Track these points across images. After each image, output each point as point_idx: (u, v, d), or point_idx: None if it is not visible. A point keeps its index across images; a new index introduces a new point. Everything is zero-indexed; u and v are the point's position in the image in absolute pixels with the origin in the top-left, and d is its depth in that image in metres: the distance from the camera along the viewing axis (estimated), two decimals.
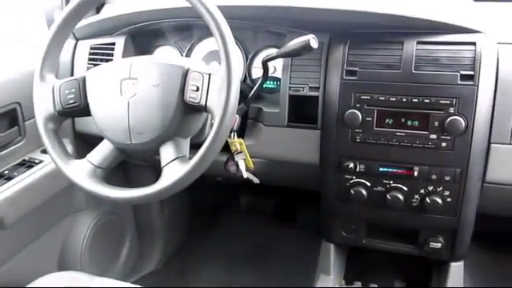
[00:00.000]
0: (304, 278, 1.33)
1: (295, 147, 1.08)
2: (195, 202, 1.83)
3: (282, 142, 1.09)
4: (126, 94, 0.85)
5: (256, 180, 1.07)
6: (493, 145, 0.95)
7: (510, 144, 0.94)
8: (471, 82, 0.92)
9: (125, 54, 1.20)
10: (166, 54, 1.25)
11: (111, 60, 1.20)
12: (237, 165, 1.04)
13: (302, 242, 1.65)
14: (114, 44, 1.22)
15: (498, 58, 0.94)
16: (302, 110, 1.06)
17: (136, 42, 1.24)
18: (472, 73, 0.92)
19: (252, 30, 1.14)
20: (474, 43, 0.94)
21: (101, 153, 0.89)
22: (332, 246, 1.21)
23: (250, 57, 1.17)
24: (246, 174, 1.05)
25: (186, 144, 0.89)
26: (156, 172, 0.87)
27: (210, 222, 1.89)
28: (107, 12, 1.26)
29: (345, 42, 1.01)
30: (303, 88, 1.05)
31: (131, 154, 0.91)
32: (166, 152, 0.85)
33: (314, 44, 0.91)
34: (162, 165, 0.84)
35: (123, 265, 1.59)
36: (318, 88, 1.03)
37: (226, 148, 1.02)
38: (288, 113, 1.07)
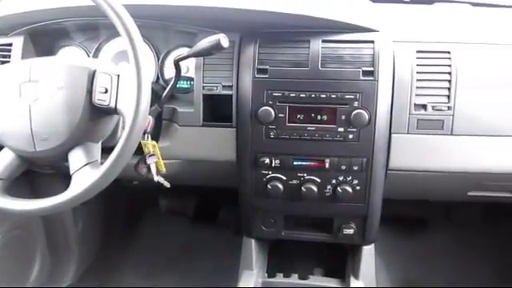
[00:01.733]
0: (228, 276, 1.34)
1: (211, 146, 1.09)
2: (112, 208, 1.76)
3: (198, 141, 1.09)
4: (26, 98, 0.80)
5: (167, 184, 1.06)
6: (393, 135, 1.03)
7: (408, 134, 1.03)
8: (372, 78, 0.99)
9: (24, 56, 1.12)
10: (71, 55, 1.19)
11: (8, 62, 1.11)
12: (148, 167, 1.01)
13: (224, 240, 1.66)
14: (10, 45, 1.13)
15: (394, 55, 1.02)
16: (217, 109, 1.07)
17: (37, 43, 1.16)
18: (372, 69, 0.99)
19: (162, 29, 1.13)
20: (372, 41, 1.01)
21: (0, 162, 0.83)
22: (253, 241, 1.24)
23: (161, 57, 1.15)
24: (156, 178, 1.03)
25: (96, 148, 0.86)
26: (66, 180, 0.82)
27: (128, 228, 1.83)
28: (0, 10, 1.16)
29: (255, 41, 1.04)
30: (216, 87, 1.05)
31: (36, 162, 0.86)
32: (75, 158, 0.81)
33: (225, 43, 0.92)
34: (72, 171, 0.80)
35: (34, 282, 1.48)
36: (231, 87, 1.05)
37: (141, 150, 1.00)
38: (203, 112, 1.07)
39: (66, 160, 0.82)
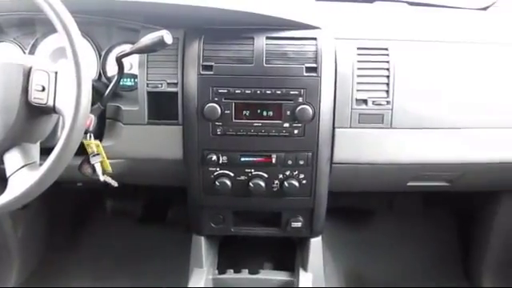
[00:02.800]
0: (178, 275, 1.33)
1: (157, 144, 1.07)
2: (56, 211, 1.69)
3: (144, 140, 1.07)
4: None
5: (114, 183, 1.03)
6: (337, 129, 1.07)
7: (350, 128, 1.07)
8: (315, 74, 1.02)
9: None
10: (5, 52, 1.12)
11: None
12: (93, 168, 0.98)
13: (173, 240, 1.64)
14: None
15: (335, 52, 1.05)
16: (162, 107, 1.06)
17: None
18: (315, 65, 1.02)
19: (104, 25, 1.10)
20: (315, 38, 1.04)
21: None
22: (202, 238, 1.24)
23: (103, 53, 1.11)
24: (102, 177, 1.00)
25: (35, 149, 0.82)
26: (2, 183, 0.78)
27: (74, 231, 1.76)
28: None
29: (199, 38, 1.03)
30: (161, 84, 1.04)
31: None
32: (12, 160, 0.77)
33: (168, 40, 0.91)
34: (8, 174, 0.76)
35: None
36: (177, 84, 1.04)
37: (85, 150, 0.97)
38: (148, 110, 1.05)
39: (2, 162, 0.78)
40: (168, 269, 1.55)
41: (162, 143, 1.07)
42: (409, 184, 1.22)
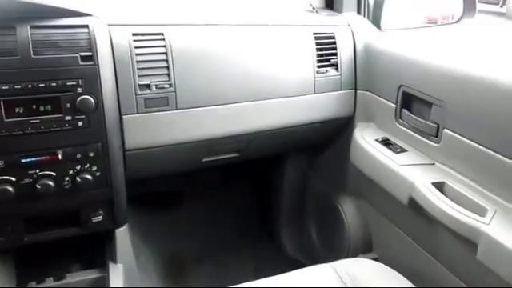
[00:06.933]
0: None
1: None
2: None
3: None
4: None
5: None
6: (124, 116, 1.07)
7: (137, 114, 1.08)
8: (91, 63, 0.99)
9: None
10: None
11: None
12: None
13: None
14: None
15: (111, 39, 1.04)
16: None
17: None
18: (90, 53, 0.99)
19: None
20: (86, 26, 1.00)
21: None
22: None
23: None
24: None
25: None
26: None
27: None
28: None
29: None
30: None
31: None
32: None
33: None
34: None
35: None
36: None
37: None
38: None
39: None
40: None
41: None
42: (204, 160, 1.30)
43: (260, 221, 1.87)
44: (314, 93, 1.29)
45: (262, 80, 1.22)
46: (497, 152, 0.92)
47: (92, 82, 0.99)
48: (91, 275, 1.20)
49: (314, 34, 1.29)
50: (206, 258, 1.66)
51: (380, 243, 1.42)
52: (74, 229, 1.13)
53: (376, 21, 1.40)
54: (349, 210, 1.49)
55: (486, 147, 0.94)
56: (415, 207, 1.07)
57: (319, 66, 1.29)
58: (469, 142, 0.98)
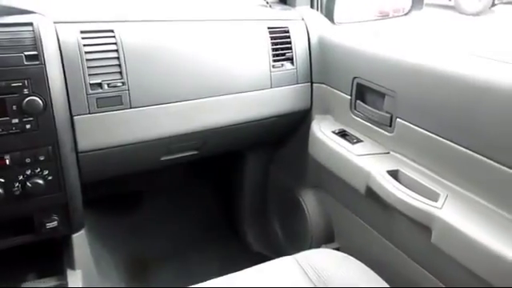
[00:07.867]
0: None
1: None
2: None
3: None
4: None
5: None
6: (75, 117, 1.03)
7: (90, 114, 1.04)
8: (37, 62, 0.95)
9: None
10: None
11: None
12: None
13: None
14: None
15: (58, 37, 1.00)
16: None
17: None
18: (36, 52, 0.95)
19: None
20: (31, 24, 0.96)
21: None
22: None
23: None
24: None
25: None
26: None
27: None
28: None
29: None
30: None
31: None
32: None
33: None
34: None
35: None
36: None
37: None
38: None
39: None
40: None
41: None
42: (162, 159, 1.28)
43: (224, 218, 1.86)
44: (271, 87, 1.30)
45: (217, 76, 1.21)
46: (447, 139, 0.95)
47: (39, 83, 0.95)
48: (49, 283, 1.15)
49: (269, 28, 1.30)
50: (170, 257, 1.63)
51: (341, 233, 1.44)
52: (27, 236, 1.09)
53: (329, 14, 1.42)
54: (310, 201, 1.51)
55: (437, 135, 0.97)
56: (372, 196, 1.09)
57: (275, 60, 1.30)
58: (420, 130, 1.02)
